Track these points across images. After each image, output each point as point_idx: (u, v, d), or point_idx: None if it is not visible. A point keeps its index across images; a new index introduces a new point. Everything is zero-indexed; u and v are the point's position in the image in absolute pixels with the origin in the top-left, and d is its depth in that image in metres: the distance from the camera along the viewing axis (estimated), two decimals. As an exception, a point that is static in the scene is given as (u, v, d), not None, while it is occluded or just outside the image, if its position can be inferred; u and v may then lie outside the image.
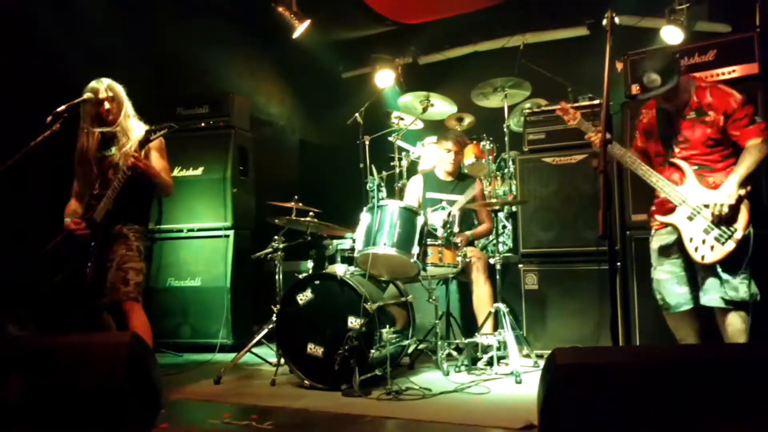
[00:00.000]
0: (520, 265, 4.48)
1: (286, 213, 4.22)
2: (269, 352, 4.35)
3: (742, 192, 3.05)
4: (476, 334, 4.05)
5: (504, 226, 5.22)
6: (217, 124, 5.44)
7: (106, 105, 3.43)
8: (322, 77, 6.89)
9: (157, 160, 3.51)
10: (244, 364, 4.32)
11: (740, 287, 3.04)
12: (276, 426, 2.92)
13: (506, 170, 5.21)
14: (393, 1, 5.90)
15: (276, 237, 4.35)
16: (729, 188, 3.07)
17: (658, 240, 3.34)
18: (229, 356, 4.39)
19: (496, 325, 4.01)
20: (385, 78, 6.07)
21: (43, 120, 3.22)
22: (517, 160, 4.64)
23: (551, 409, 1.82)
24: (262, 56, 6.65)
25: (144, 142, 3.32)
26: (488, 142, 5.17)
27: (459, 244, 4.01)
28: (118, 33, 5.00)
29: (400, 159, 4.97)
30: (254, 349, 4.26)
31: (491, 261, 4.23)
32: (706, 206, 3.09)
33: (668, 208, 3.23)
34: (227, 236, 5.23)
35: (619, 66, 4.13)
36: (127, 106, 3.50)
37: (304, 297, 3.74)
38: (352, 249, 3.97)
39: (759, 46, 3.76)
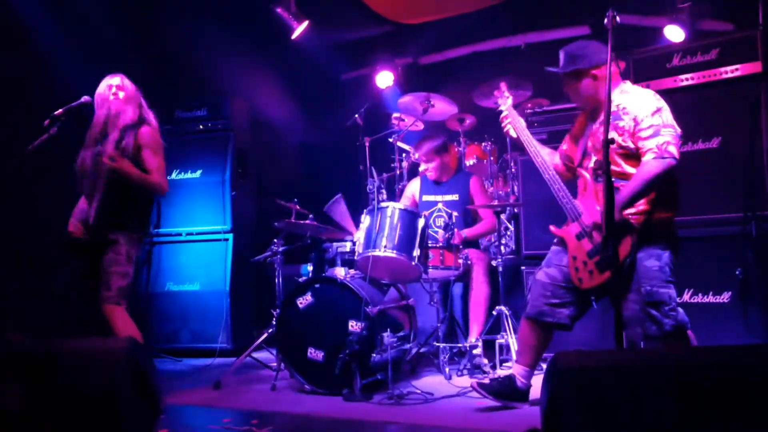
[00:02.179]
0: (523, 267, 4.43)
1: (286, 216, 4.20)
2: (269, 357, 4.33)
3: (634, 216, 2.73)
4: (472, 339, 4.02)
5: (506, 228, 5.19)
6: (215, 126, 5.43)
7: (111, 98, 3.41)
8: (321, 78, 6.86)
9: (150, 158, 3.41)
10: (243, 368, 4.28)
11: (665, 321, 2.73)
12: (276, 431, 2.89)
13: (508, 171, 5.17)
14: (392, 2, 5.87)
15: (276, 240, 4.33)
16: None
17: (555, 245, 3.12)
18: (228, 361, 4.38)
19: (498, 328, 3.98)
20: (384, 79, 6.06)
21: (41, 122, 3.21)
22: (519, 161, 4.60)
23: (554, 413, 1.79)
24: (261, 58, 6.62)
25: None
26: (490, 143, 5.13)
27: (455, 244, 3.93)
28: (117, 35, 4.99)
29: (400, 160, 4.94)
30: (254, 354, 4.24)
31: (493, 263, 4.20)
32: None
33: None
34: (226, 240, 5.21)
35: (621, 65, 4.10)
36: (138, 104, 3.47)
37: (305, 301, 3.72)
38: (353, 252, 3.95)
39: (762, 44, 3.74)
